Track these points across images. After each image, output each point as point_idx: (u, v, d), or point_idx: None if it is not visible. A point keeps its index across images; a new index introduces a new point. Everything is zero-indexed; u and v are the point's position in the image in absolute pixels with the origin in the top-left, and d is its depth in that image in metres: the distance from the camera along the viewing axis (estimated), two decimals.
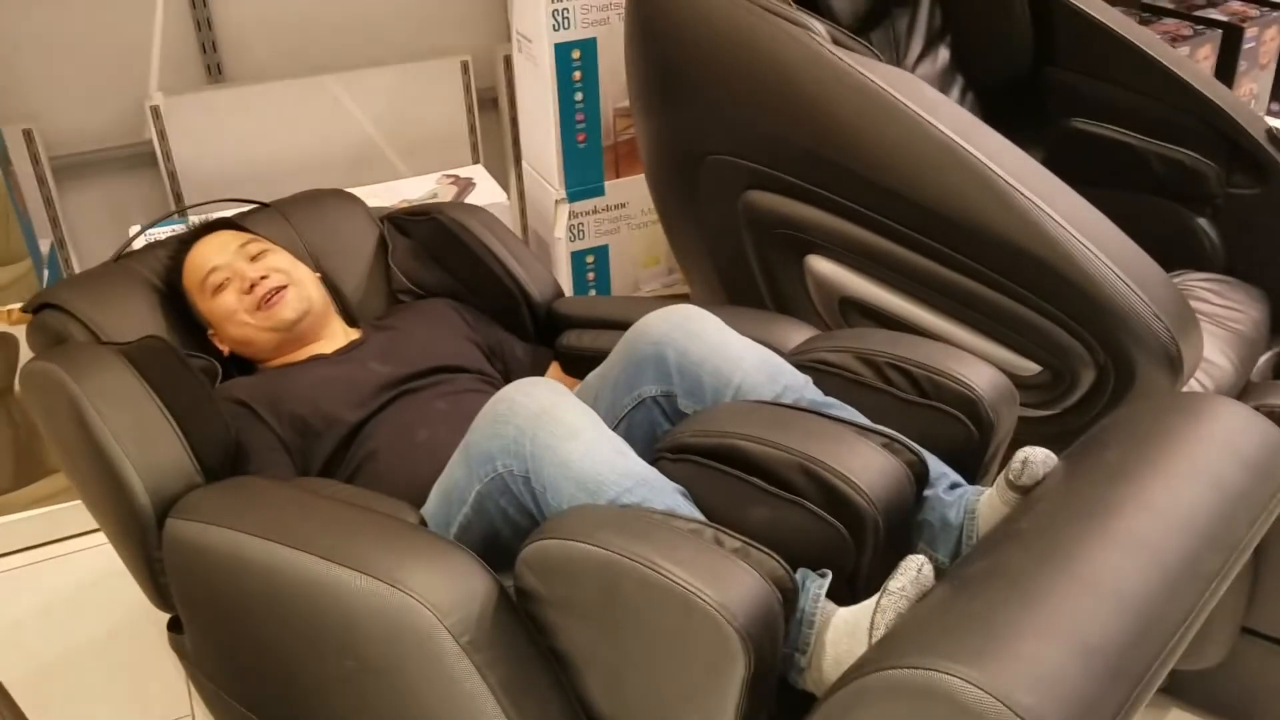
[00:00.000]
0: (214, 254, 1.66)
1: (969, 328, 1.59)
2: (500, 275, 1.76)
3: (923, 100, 1.53)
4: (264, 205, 1.88)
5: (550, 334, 1.79)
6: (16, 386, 2.04)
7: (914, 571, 1.04)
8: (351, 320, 1.80)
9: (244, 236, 1.70)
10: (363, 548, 1.12)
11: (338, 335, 1.69)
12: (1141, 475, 1.06)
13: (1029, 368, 1.55)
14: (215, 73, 2.44)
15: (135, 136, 2.43)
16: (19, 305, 2.00)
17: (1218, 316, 1.75)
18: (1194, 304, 1.68)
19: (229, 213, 1.83)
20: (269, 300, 1.60)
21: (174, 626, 1.42)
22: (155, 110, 2.37)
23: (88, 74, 2.34)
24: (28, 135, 2.30)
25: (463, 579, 1.08)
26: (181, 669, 1.89)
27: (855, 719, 0.90)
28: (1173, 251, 1.84)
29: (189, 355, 1.53)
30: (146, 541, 1.32)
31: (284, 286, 1.62)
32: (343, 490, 1.38)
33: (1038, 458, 1.14)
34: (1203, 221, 1.89)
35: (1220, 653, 1.59)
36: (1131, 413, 1.20)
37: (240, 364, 1.69)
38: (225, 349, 1.67)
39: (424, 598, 1.05)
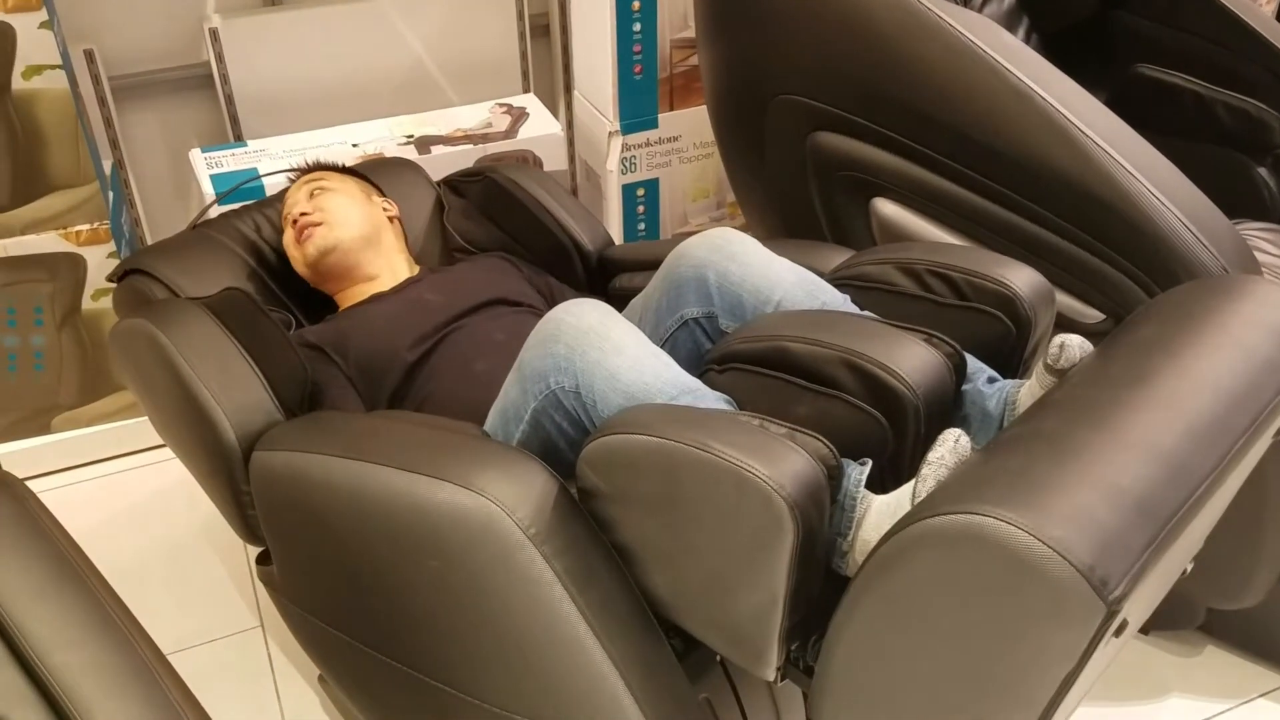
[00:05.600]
0: (295, 191, 1.80)
1: None
2: (551, 227, 1.83)
3: (1000, 46, 1.53)
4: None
5: (601, 281, 1.85)
6: (84, 305, 2.09)
7: (951, 442, 1.08)
8: None
9: (320, 176, 1.82)
10: (438, 458, 1.20)
11: (400, 271, 1.78)
12: (1173, 344, 1.10)
13: (1093, 315, 1.58)
14: None
15: (193, 58, 2.43)
16: (88, 225, 2.03)
17: (1274, 267, 1.77)
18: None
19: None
20: (300, 235, 1.72)
21: (262, 560, 1.50)
22: (213, 33, 2.37)
23: None
24: (89, 55, 2.31)
25: (527, 478, 1.16)
26: (248, 582, 1.96)
27: (898, 572, 0.96)
28: (1232, 200, 1.85)
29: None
30: (234, 476, 1.40)
31: (317, 225, 1.72)
32: (413, 416, 1.44)
33: (1074, 341, 1.18)
34: (1263, 171, 1.89)
35: (1260, 594, 1.64)
36: (1170, 294, 1.23)
37: (318, 312, 1.79)
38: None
39: (494, 496, 1.14)
